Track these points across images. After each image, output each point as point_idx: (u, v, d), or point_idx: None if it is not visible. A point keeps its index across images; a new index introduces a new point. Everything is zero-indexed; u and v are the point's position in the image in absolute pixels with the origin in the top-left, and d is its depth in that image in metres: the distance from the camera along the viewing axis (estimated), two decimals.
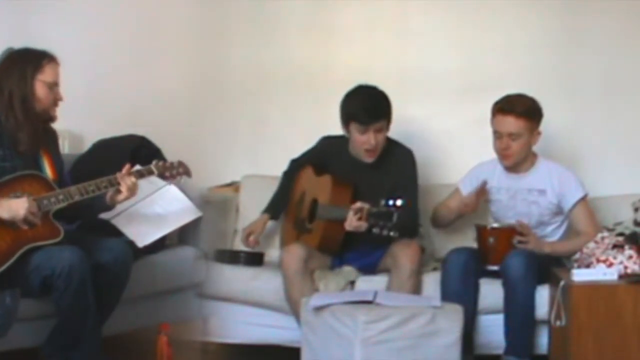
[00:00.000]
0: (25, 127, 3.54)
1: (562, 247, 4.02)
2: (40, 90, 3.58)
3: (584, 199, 4.04)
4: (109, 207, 3.68)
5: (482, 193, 4.07)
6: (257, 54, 4.75)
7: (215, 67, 4.77)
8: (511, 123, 3.96)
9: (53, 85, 3.62)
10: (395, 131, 4.12)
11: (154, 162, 3.73)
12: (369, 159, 4.01)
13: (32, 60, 3.59)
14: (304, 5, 4.75)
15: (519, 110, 3.95)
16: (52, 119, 3.67)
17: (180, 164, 3.76)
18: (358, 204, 3.72)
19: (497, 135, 4.02)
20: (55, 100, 3.63)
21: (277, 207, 4.29)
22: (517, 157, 4.04)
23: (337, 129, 4.09)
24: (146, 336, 3.94)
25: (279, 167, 4.32)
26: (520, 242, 3.90)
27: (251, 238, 4.20)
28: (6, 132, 3.55)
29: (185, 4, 4.76)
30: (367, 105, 3.95)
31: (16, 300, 3.23)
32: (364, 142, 3.97)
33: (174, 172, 3.74)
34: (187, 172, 3.77)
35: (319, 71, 4.69)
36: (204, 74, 4.77)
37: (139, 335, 4.12)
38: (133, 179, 3.61)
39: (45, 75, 3.59)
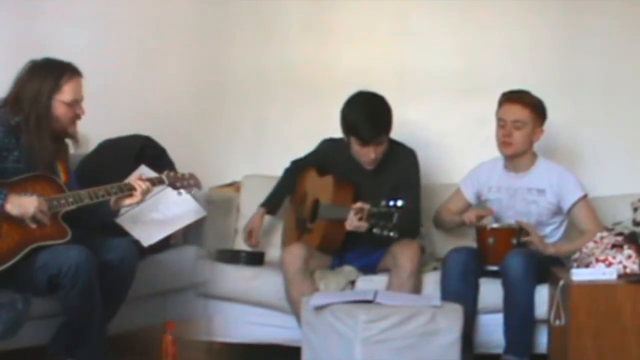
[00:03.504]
0: (39, 145, 3.51)
1: (566, 248, 4.03)
2: (59, 109, 3.54)
3: (584, 198, 4.05)
4: (114, 213, 3.68)
5: (483, 217, 4.07)
6: (257, 55, 4.76)
7: (216, 68, 4.78)
8: (517, 110, 4.00)
9: (74, 103, 3.57)
10: (395, 132, 4.12)
11: (165, 172, 3.74)
12: (369, 167, 4.03)
13: (50, 79, 3.52)
14: (303, 5, 4.76)
15: (527, 101, 4.02)
16: (69, 135, 3.64)
17: (192, 176, 3.77)
18: (359, 204, 3.74)
19: (502, 123, 4.04)
20: (76, 115, 3.59)
21: (274, 201, 4.28)
22: (517, 148, 4.05)
23: (337, 129, 4.09)
24: (151, 335, 3.96)
25: (280, 167, 4.33)
26: (524, 241, 3.91)
27: (252, 239, 4.22)
28: (24, 136, 3.52)
29: (187, 6, 4.77)
30: (368, 122, 3.92)
31: (28, 306, 3.25)
32: (363, 155, 3.99)
33: (185, 184, 3.75)
34: (197, 185, 3.78)
35: (319, 71, 4.70)
36: (205, 74, 4.77)
37: (143, 334, 4.13)
38: (149, 184, 3.62)
39: (64, 95, 3.54)
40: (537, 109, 4.04)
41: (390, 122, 3.98)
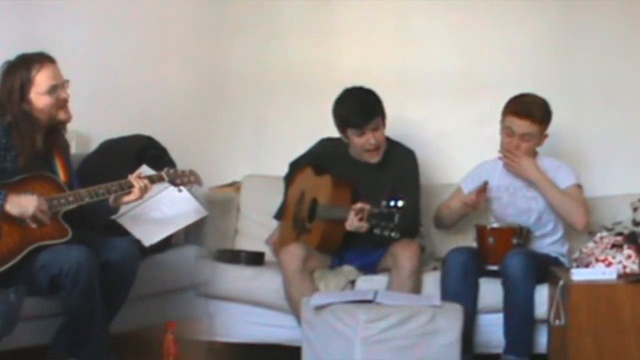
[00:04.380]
0: (21, 145, 3.49)
1: (549, 186, 3.98)
2: (39, 102, 3.51)
3: (577, 187, 4.04)
4: (113, 210, 3.69)
5: (482, 192, 4.07)
6: (258, 55, 4.76)
7: (217, 69, 4.78)
8: (527, 126, 3.99)
9: (52, 90, 3.52)
10: (395, 131, 4.13)
11: (165, 169, 3.74)
12: (373, 159, 4.02)
13: (21, 75, 3.48)
14: (304, 5, 4.76)
15: (536, 116, 3.99)
16: (62, 122, 3.61)
17: (192, 172, 3.78)
18: (359, 205, 3.73)
19: (508, 131, 4.03)
20: (59, 101, 3.55)
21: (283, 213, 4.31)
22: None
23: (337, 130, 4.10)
24: (152, 335, 3.96)
25: (280, 167, 4.33)
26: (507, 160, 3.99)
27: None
28: (13, 137, 3.52)
29: (187, 6, 4.77)
30: (357, 108, 3.95)
31: (20, 297, 3.24)
32: (364, 144, 3.98)
33: (185, 180, 3.76)
34: (197, 181, 3.79)
35: (319, 72, 4.70)
36: (206, 75, 4.77)
37: (144, 334, 4.13)
38: (147, 181, 3.62)
39: (39, 87, 3.50)
40: (546, 120, 4.03)
41: (381, 106, 3.99)
